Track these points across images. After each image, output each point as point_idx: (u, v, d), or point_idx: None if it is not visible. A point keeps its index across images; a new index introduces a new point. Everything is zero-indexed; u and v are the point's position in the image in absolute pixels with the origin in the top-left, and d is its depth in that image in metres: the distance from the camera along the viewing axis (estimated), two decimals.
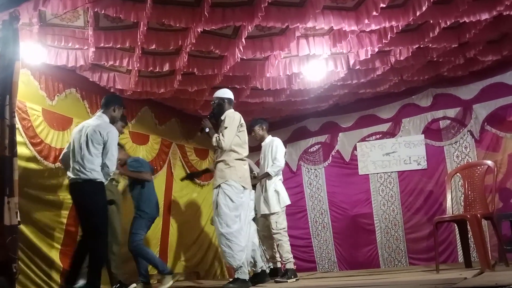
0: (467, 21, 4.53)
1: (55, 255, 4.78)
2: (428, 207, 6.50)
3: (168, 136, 6.65)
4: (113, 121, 4.11)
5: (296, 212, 7.49)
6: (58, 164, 4.87)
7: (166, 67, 5.09)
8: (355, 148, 7.17)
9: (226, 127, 4.19)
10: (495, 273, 3.84)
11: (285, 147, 7.64)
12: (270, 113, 7.14)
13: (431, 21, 4.64)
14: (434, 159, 6.58)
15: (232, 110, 4.41)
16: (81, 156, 3.81)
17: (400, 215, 6.74)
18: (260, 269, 4.57)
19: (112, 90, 5.53)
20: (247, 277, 4.07)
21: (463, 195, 5.13)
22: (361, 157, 7.10)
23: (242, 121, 4.35)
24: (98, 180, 3.84)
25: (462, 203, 5.32)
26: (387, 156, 6.91)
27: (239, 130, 4.27)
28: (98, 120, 4.01)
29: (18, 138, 4.41)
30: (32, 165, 4.71)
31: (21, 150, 4.53)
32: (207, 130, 4.29)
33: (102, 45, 4.53)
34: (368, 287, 3.02)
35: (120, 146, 4.72)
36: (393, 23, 4.45)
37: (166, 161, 6.55)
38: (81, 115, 5.36)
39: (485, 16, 4.47)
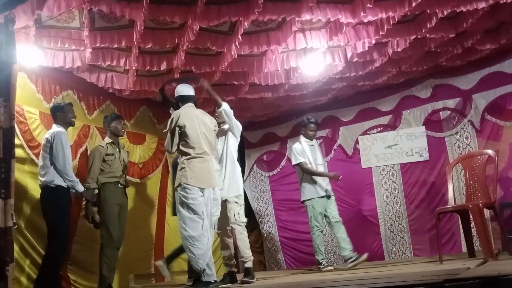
0: (464, 10, 4.50)
1: None
2: (431, 198, 6.49)
3: (165, 135, 6.62)
4: (64, 123, 4.36)
5: (300, 206, 7.46)
6: None
7: (164, 66, 5.08)
8: (357, 142, 7.15)
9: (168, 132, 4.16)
10: (498, 262, 3.84)
11: (286, 142, 7.68)
12: (269, 108, 7.14)
13: (428, 11, 4.61)
14: (435, 150, 6.56)
15: (177, 111, 4.23)
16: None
17: (404, 206, 6.74)
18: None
19: (110, 91, 5.53)
20: (211, 278, 3.95)
21: (464, 185, 5.11)
22: (363, 150, 7.09)
23: (180, 121, 4.09)
24: (53, 185, 4.07)
25: (464, 193, 5.31)
26: (389, 149, 6.90)
27: (179, 131, 4.09)
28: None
29: (15, 141, 4.43)
30: (29, 167, 4.72)
31: (18, 153, 4.52)
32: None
33: (98, 45, 4.53)
34: (370, 280, 3.02)
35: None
36: (390, 14, 4.43)
37: (162, 160, 6.56)
38: (79, 117, 5.34)
39: (482, 4, 4.44)
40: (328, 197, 5.58)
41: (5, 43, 3.70)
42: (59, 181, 4.09)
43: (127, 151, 5.15)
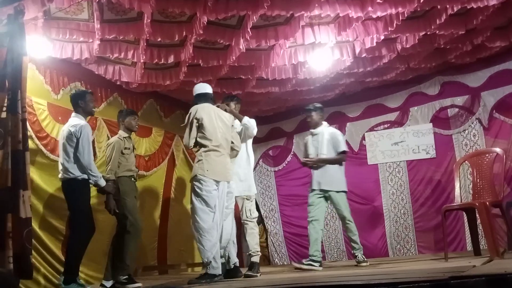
0: (475, 6, 4.47)
1: (57, 247, 4.85)
2: (437, 195, 6.47)
3: (172, 128, 6.66)
4: (85, 112, 4.34)
5: (305, 202, 7.43)
6: None
7: (171, 59, 5.09)
8: (363, 138, 7.13)
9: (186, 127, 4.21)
10: (504, 260, 3.83)
11: (293, 137, 7.68)
12: (276, 103, 7.13)
13: (438, 7, 4.59)
14: (442, 147, 6.53)
15: (195, 106, 4.28)
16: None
17: (409, 204, 6.72)
18: (233, 265, 4.40)
19: (118, 83, 5.55)
20: (217, 272, 4.00)
21: (471, 183, 5.09)
22: (370, 147, 7.07)
23: (199, 112, 4.17)
24: (80, 178, 4.14)
25: (471, 191, 5.29)
26: (396, 146, 6.88)
27: (197, 124, 4.16)
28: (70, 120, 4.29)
29: None
30: (37, 157, 4.75)
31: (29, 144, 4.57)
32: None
33: (106, 37, 4.53)
34: (375, 276, 3.02)
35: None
36: (399, 9, 4.40)
37: (168, 154, 6.58)
38: None
39: (492, 1, 4.40)
40: (325, 191, 5.18)
41: (15, 34, 3.72)
42: (84, 175, 4.16)
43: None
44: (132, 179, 4.73)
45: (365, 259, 5.00)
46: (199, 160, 4.13)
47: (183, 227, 6.57)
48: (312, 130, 5.35)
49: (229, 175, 4.28)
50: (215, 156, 4.15)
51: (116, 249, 4.63)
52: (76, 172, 4.14)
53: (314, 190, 5.20)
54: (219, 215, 4.08)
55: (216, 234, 4.02)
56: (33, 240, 4.49)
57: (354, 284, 2.44)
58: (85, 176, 4.15)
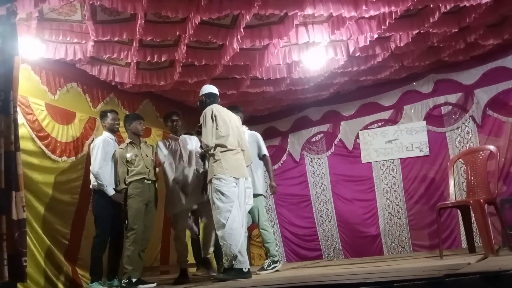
0: (467, 5, 4.48)
1: (61, 250, 4.84)
2: (431, 193, 6.49)
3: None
4: (108, 129, 4.89)
5: (301, 201, 7.51)
6: (64, 157, 5.01)
7: (165, 59, 5.07)
8: (357, 137, 7.15)
9: (203, 127, 4.22)
10: (499, 257, 3.85)
11: (288, 136, 7.68)
12: (271, 102, 7.13)
13: (431, 6, 4.60)
14: (436, 145, 6.56)
15: (209, 106, 4.32)
16: None
17: (403, 202, 6.74)
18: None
19: (112, 84, 5.53)
20: (244, 266, 4.05)
21: (465, 181, 5.11)
22: (364, 145, 7.09)
23: (215, 111, 4.23)
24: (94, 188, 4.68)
25: (465, 189, 5.31)
26: (389, 144, 6.90)
27: (215, 122, 4.21)
28: None
29: (24, 132, 4.50)
30: (39, 159, 4.75)
31: (27, 144, 4.58)
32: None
33: (100, 38, 4.52)
34: (371, 274, 3.03)
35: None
36: (392, 8, 4.42)
37: None
38: (84, 109, 5.39)
39: None
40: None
41: (7, 35, 3.70)
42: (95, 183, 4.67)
43: (151, 145, 5.13)
44: (145, 181, 4.73)
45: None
46: (216, 160, 4.16)
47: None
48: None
49: (246, 171, 4.36)
50: (232, 155, 4.22)
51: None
52: (93, 182, 4.68)
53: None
54: (241, 210, 4.17)
55: (241, 229, 4.10)
56: (35, 243, 4.52)
57: (350, 283, 2.44)
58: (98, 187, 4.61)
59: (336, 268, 4.63)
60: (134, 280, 4.42)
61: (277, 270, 4.87)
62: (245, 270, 4.05)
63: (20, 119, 4.33)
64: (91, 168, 4.66)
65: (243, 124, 4.87)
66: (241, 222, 4.14)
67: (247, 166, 4.42)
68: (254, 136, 5.20)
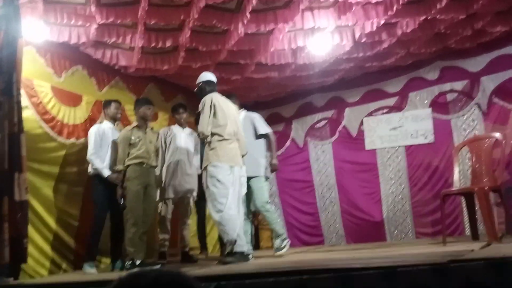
0: None
1: (71, 232, 4.88)
2: (435, 180, 6.47)
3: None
4: (109, 117, 4.96)
5: (304, 187, 7.51)
6: (72, 139, 5.02)
7: (169, 43, 5.04)
8: (361, 123, 7.12)
9: (201, 114, 4.29)
10: (502, 245, 3.85)
11: (291, 123, 7.65)
12: (275, 88, 7.09)
13: None
14: (441, 132, 6.52)
15: (209, 94, 4.38)
16: None
17: (407, 189, 6.73)
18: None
19: (116, 67, 5.51)
20: (244, 249, 4.16)
21: (470, 168, 5.10)
22: (368, 132, 7.06)
23: (215, 100, 4.30)
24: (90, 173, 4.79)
25: (470, 176, 5.30)
26: (394, 131, 6.87)
27: (214, 111, 4.26)
28: None
29: (29, 115, 4.49)
30: (45, 142, 4.75)
31: (33, 127, 4.57)
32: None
33: (104, 21, 4.48)
34: (375, 259, 3.04)
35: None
36: None
37: None
38: (90, 92, 5.38)
39: None
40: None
41: (10, 17, 3.68)
42: (94, 170, 4.76)
43: (157, 132, 5.19)
44: (143, 165, 4.77)
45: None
46: (212, 148, 4.23)
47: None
48: None
49: (241, 160, 4.41)
50: (227, 144, 4.28)
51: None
52: (89, 168, 4.76)
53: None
54: (236, 196, 4.25)
55: (237, 213, 4.20)
56: (43, 225, 4.56)
57: (354, 268, 2.45)
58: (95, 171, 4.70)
59: (339, 254, 4.65)
60: (138, 262, 4.47)
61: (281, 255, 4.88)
62: (246, 253, 4.17)
63: (25, 102, 4.33)
64: (88, 154, 4.75)
65: (240, 108, 4.98)
66: (237, 206, 4.24)
67: (242, 156, 4.46)
68: (248, 118, 5.08)
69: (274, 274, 2.54)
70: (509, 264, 2.13)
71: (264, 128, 5.08)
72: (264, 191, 4.96)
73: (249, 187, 4.73)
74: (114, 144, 4.84)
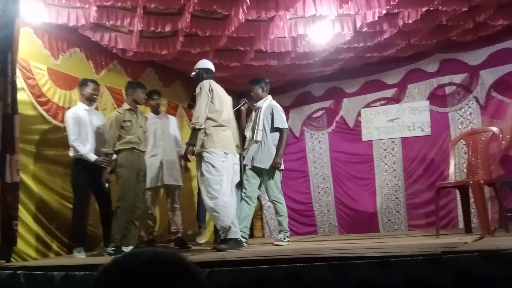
0: None
1: (65, 215, 4.84)
2: (430, 173, 6.49)
3: (173, 98, 6.61)
4: (85, 99, 4.81)
5: (298, 177, 7.52)
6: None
7: (168, 28, 4.99)
8: (359, 114, 7.11)
9: (198, 98, 4.30)
10: (495, 238, 3.88)
11: (289, 112, 7.62)
12: (274, 77, 7.03)
13: None
14: (438, 125, 6.52)
15: (207, 80, 4.40)
16: None
17: (402, 181, 6.75)
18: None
19: (114, 51, 5.46)
20: (237, 236, 4.20)
21: (466, 162, 5.11)
22: (365, 123, 7.05)
23: (212, 86, 4.35)
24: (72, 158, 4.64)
25: (465, 170, 5.31)
26: (391, 122, 6.86)
27: (211, 96, 4.29)
28: None
29: (24, 97, 4.44)
30: (39, 124, 4.71)
31: (27, 109, 4.54)
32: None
33: (103, 3, 4.43)
34: (368, 250, 3.05)
35: None
36: None
37: None
38: (87, 75, 5.32)
39: None
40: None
41: None
42: (76, 155, 4.62)
43: (146, 117, 5.11)
44: (135, 151, 4.72)
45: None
46: (207, 134, 4.24)
47: (193, 200, 6.55)
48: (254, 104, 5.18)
49: (235, 148, 4.45)
50: (222, 131, 4.31)
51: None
52: (70, 153, 4.62)
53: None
54: (230, 183, 4.29)
55: (231, 200, 4.25)
56: (35, 208, 4.54)
57: (347, 257, 2.46)
58: (77, 156, 4.57)
59: (333, 243, 4.68)
60: (125, 249, 4.46)
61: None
62: (240, 240, 4.24)
63: (20, 83, 4.29)
64: (69, 140, 4.59)
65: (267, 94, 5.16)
66: (231, 193, 4.30)
67: (236, 146, 4.51)
68: (270, 108, 4.99)
69: (268, 262, 2.54)
70: (503, 256, 2.14)
71: (280, 122, 4.96)
72: (278, 183, 4.96)
73: (263, 178, 4.84)
74: (110, 124, 4.71)
